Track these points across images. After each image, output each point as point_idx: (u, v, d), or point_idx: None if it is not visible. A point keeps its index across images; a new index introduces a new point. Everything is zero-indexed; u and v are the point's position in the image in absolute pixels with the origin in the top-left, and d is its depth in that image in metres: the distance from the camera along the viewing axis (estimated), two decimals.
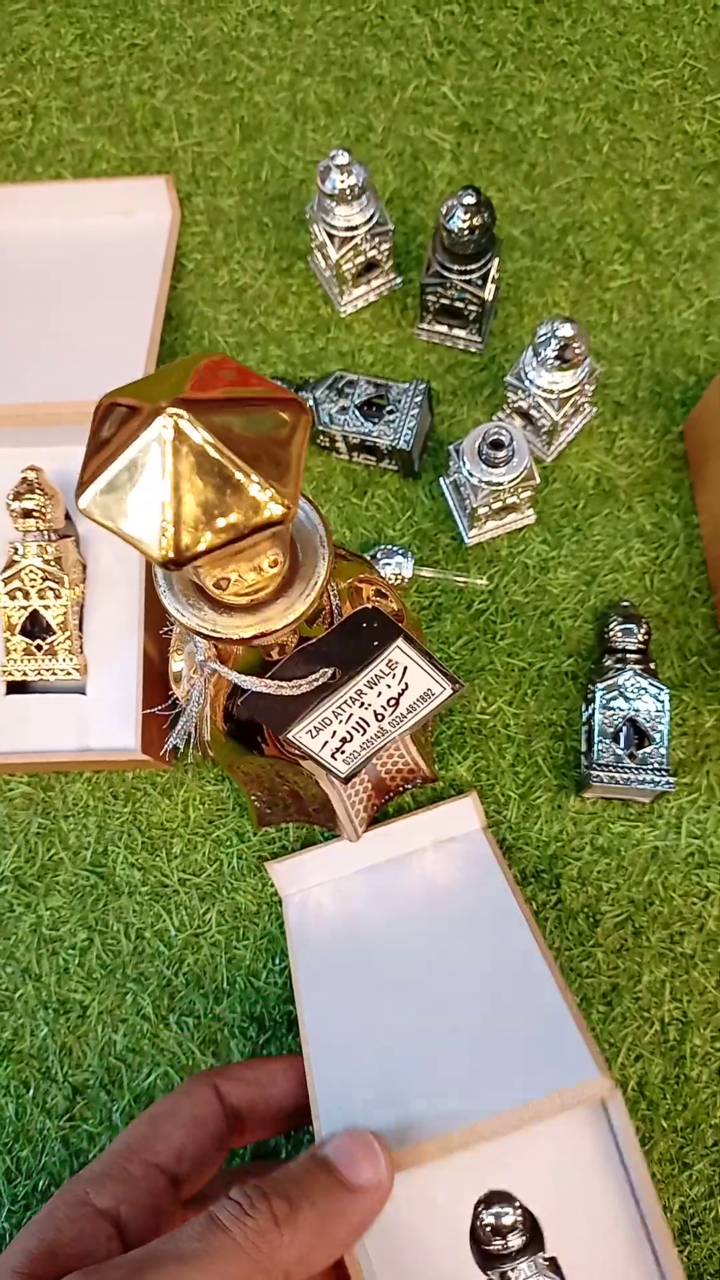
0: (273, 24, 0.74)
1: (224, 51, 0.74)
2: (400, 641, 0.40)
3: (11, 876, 0.59)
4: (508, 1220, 0.39)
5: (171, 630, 0.45)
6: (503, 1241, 0.39)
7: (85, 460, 0.30)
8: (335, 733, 0.42)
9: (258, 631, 0.35)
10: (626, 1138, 0.38)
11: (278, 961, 0.57)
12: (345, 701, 0.41)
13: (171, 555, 0.28)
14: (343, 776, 0.45)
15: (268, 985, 0.57)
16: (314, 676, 0.38)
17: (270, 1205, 0.34)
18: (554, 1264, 0.39)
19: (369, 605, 0.39)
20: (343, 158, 0.58)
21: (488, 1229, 0.39)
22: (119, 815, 0.60)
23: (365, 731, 0.43)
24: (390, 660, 0.40)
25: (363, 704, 0.41)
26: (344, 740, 0.43)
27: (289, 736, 0.41)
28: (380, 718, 0.43)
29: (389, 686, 0.41)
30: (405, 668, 0.41)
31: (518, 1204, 0.39)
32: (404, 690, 0.42)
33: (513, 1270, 0.39)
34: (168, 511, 0.28)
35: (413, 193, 0.70)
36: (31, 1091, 0.56)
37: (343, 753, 0.43)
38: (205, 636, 0.35)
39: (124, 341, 0.62)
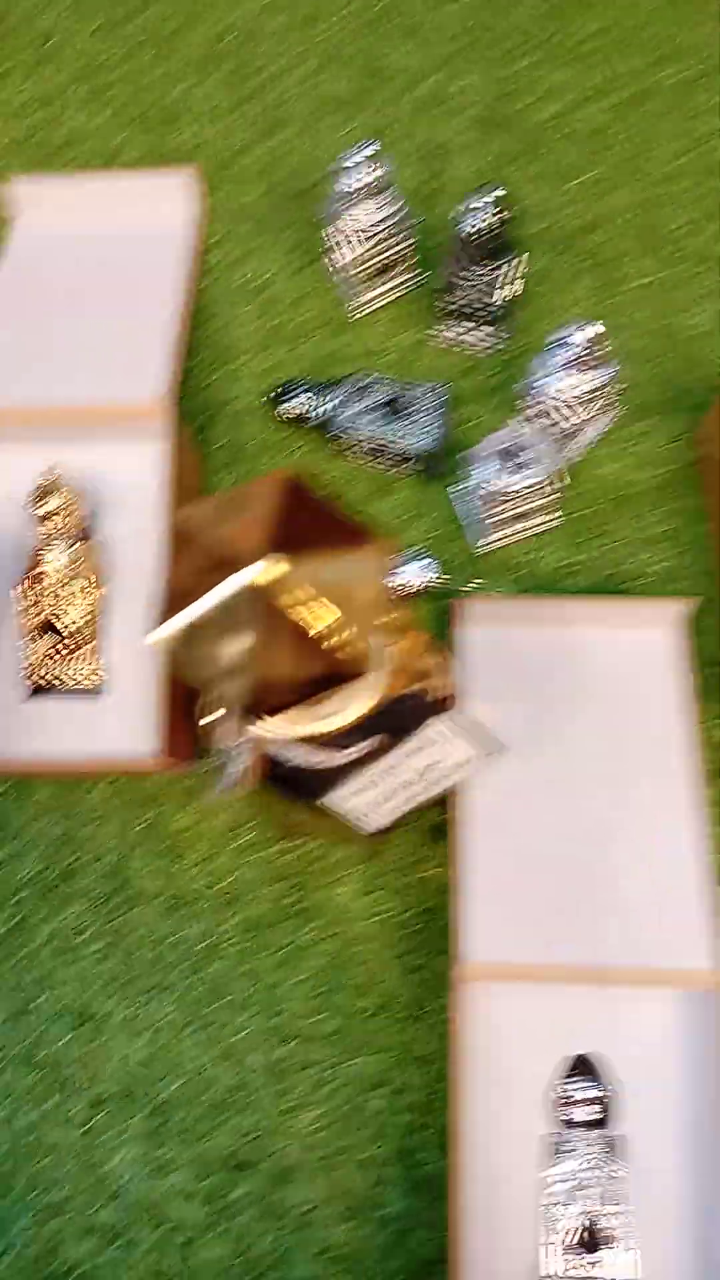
0: (294, 15, 0.70)
1: (247, 42, 0.70)
2: (443, 718, 0.37)
3: (31, 883, 0.56)
4: (581, 1095, 0.44)
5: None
6: (572, 1112, 0.44)
7: (166, 595, 0.27)
8: (371, 796, 0.40)
9: (312, 732, 0.32)
10: None
11: (298, 973, 0.55)
12: (384, 770, 0.38)
13: (254, 709, 0.26)
14: (372, 832, 0.43)
15: (288, 997, 0.54)
16: (357, 749, 0.36)
17: None
18: (613, 1144, 0.44)
19: (416, 685, 0.37)
20: (366, 152, 0.54)
21: (563, 1099, 0.44)
22: (140, 821, 0.57)
23: (400, 794, 0.40)
24: (431, 733, 0.38)
25: (400, 771, 0.39)
26: (378, 803, 0.40)
27: (325, 802, 0.39)
28: (414, 783, 0.40)
29: (427, 755, 0.39)
30: (444, 740, 0.39)
31: (600, 1086, 0.44)
32: (441, 758, 0.39)
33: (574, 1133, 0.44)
34: (251, 666, 0.26)
35: (430, 190, 0.66)
36: (50, 1102, 0.53)
37: (377, 813, 0.41)
38: (260, 737, 0.33)
39: (146, 341, 0.58)
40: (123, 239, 0.64)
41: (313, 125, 0.68)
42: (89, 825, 0.57)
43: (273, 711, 0.29)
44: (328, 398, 0.58)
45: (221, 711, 0.47)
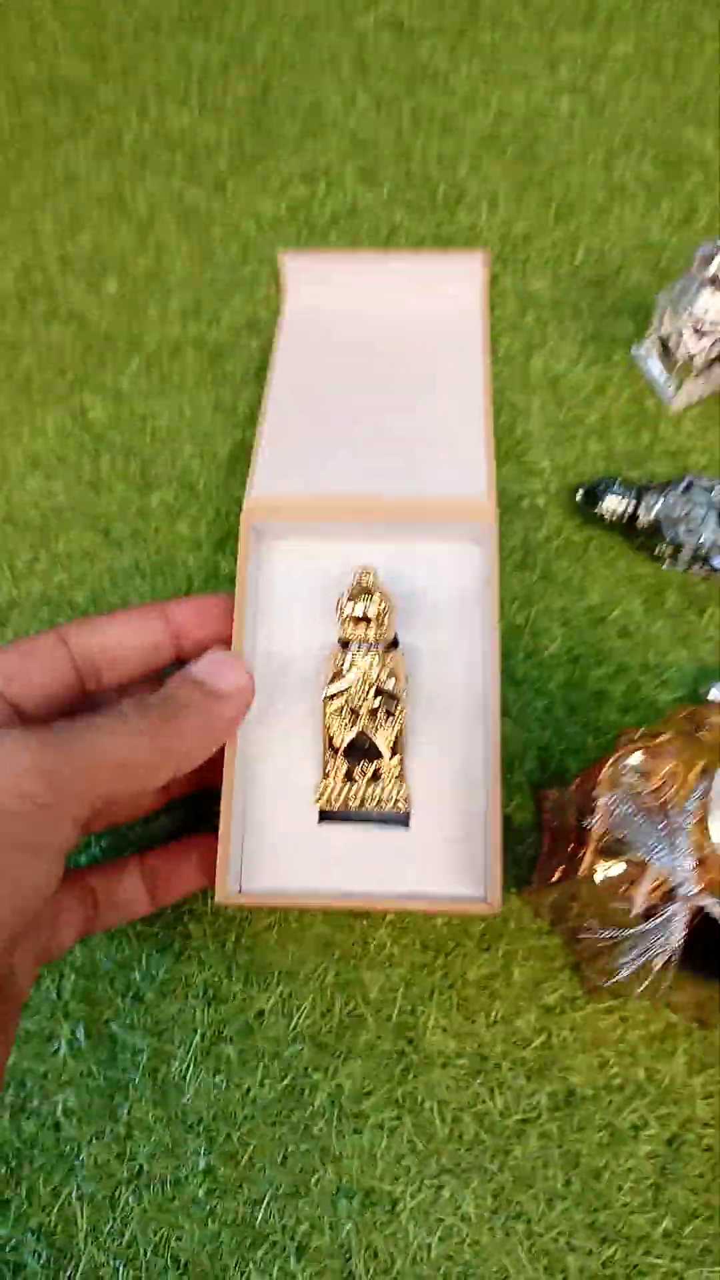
0: (584, 99, 0.67)
1: (532, 125, 0.66)
2: None
3: (306, 1034, 0.49)
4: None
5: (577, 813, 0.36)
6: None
7: None
8: None
9: None
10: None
11: (623, 1161, 0.47)
12: None
13: None
14: None
15: (612, 1188, 0.46)
16: None
17: (159, 711, 0.41)
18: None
19: None
20: None
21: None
22: (429, 969, 0.50)
23: None
24: None
25: None
26: None
27: None
28: None
29: None
30: None
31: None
32: None
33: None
34: None
35: None
36: None
37: None
38: None
39: (451, 432, 0.53)
40: (406, 321, 0.59)
41: (606, 212, 0.63)
42: (371, 970, 0.50)
43: None
44: (660, 498, 0.52)
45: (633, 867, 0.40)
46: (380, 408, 0.55)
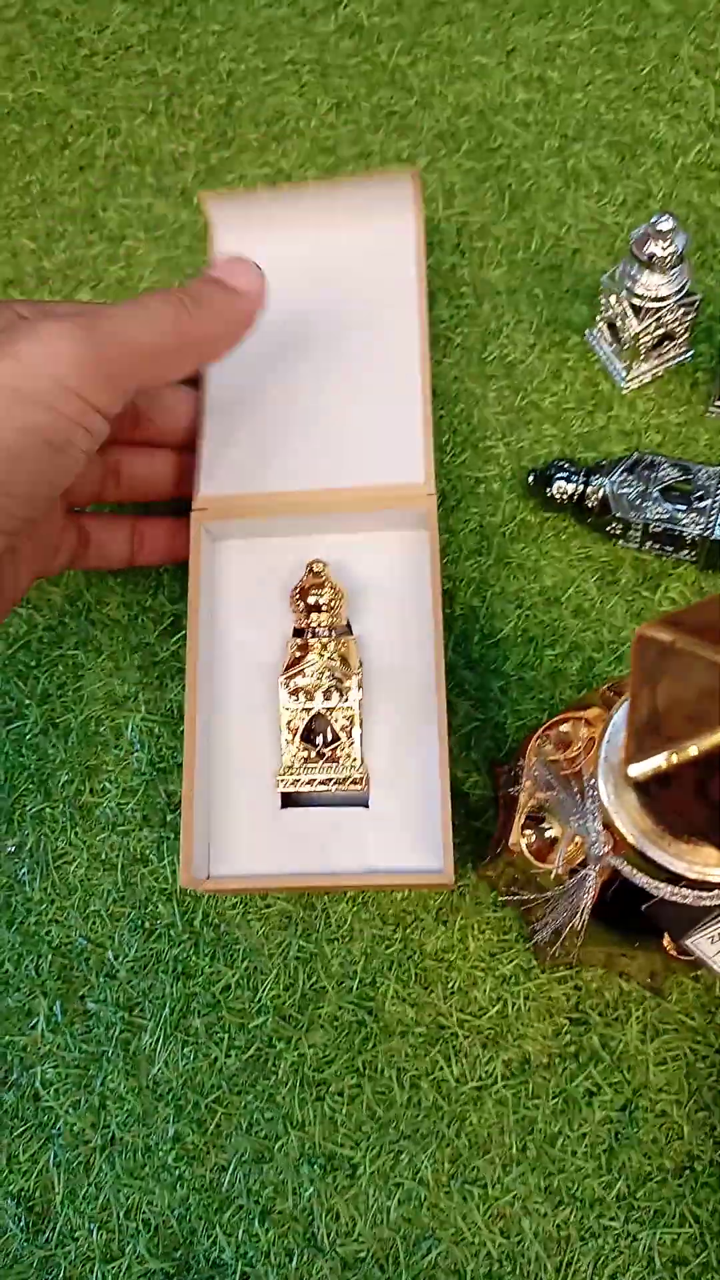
0: (539, 89, 0.68)
1: (488, 118, 0.68)
2: None
3: (270, 1006, 0.51)
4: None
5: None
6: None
7: (634, 724, 0.22)
8: None
9: None
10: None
11: (577, 1127, 0.48)
12: None
13: None
14: None
15: (565, 1154, 0.48)
16: None
17: (180, 298, 0.45)
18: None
19: None
20: (666, 223, 0.51)
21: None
22: (388, 942, 0.52)
23: None
24: None
25: None
26: None
27: (686, 943, 0.34)
28: None
29: None
30: None
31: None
32: None
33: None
34: None
35: (699, 261, 0.63)
36: (295, 1261, 0.48)
37: None
38: (683, 882, 0.27)
39: (390, 413, 0.53)
40: (339, 267, 0.58)
41: (562, 199, 0.65)
42: (332, 943, 0.52)
43: None
44: (606, 478, 0.53)
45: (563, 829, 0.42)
46: (318, 389, 0.56)
